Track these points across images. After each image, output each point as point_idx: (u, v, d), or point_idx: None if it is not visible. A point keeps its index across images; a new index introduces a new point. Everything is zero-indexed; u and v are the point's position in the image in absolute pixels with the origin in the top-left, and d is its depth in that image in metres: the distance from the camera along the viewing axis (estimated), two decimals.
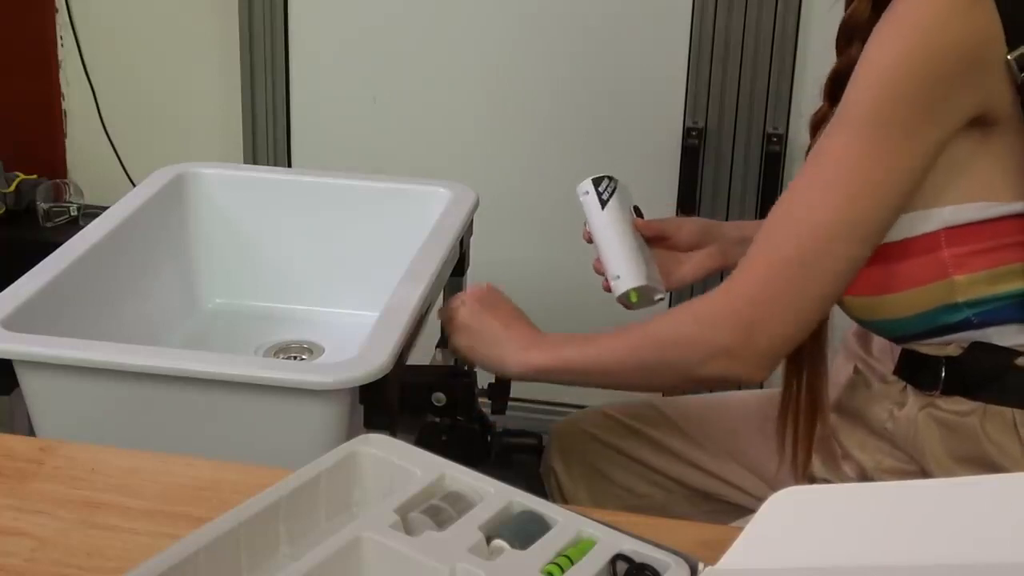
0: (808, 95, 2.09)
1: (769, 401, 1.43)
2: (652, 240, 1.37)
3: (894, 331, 1.16)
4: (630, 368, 1.18)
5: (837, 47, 1.14)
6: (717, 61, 2.08)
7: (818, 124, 1.18)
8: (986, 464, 1.13)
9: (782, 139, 2.09)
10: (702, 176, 2.14)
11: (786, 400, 1.23)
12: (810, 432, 1.22)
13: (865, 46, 1.06)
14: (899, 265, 1.11)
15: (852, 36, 1.12)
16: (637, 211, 1.39)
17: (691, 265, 1.40)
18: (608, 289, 1.35)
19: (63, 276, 1.33)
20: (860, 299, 1.14)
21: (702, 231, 1.40)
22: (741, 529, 0.80)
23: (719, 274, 1.40)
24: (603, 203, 1.35)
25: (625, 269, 1.32)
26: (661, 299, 1.34)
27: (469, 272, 1.60)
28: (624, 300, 1.33)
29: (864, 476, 1.22)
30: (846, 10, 1.15)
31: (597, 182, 1.36)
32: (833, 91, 1.13)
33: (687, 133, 2.10)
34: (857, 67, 1.07)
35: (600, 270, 1.36)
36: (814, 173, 1.08)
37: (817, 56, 2.07)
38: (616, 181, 1.37)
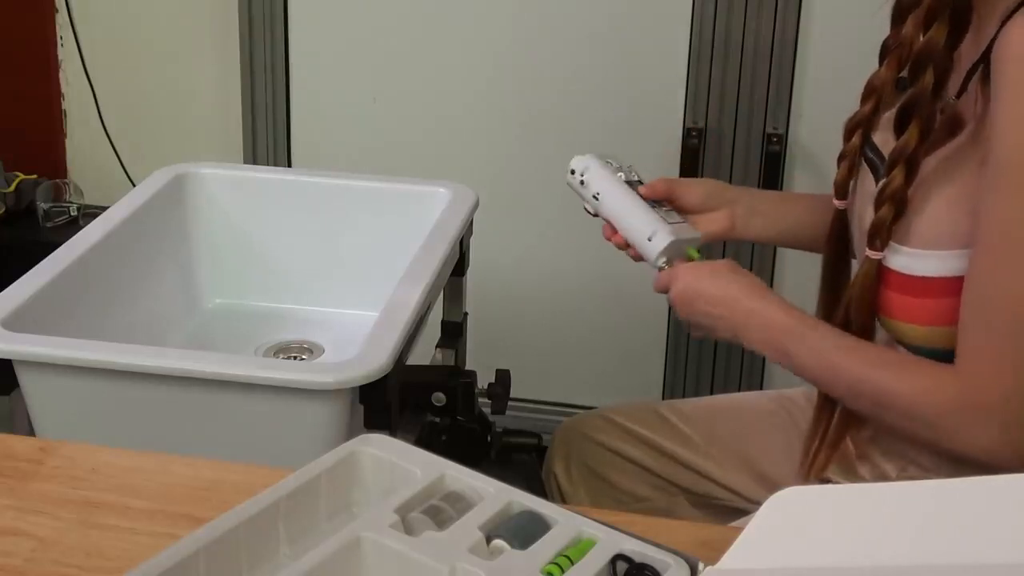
0: (808, 95, 2.09)
1: (772, 400, 1.43)
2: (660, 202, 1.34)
3: (938, 358, 1.12)
4: (848, 395, 1.14)
5: (910, 76, 1.08)
6: (717, 61, 2.08)
7: (854, 128, 1.17)
8: None
9: (782, 139, 2.09)
10: (702, 176, 2.14)
11: (822, 406, 1.21)
12: (838, 441, 1.20)
13: (999, 100, 1.00)
14: (957, 299, 1.07)
15: (926, 65, 1.07)
16: (636, 183, 1.35)
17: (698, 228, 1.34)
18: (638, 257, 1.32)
19: (63, 276, 1.33)
20: (910, 327, 1.11)
21: (710, 194, 1.37)
22: (741, 529, 0.80)
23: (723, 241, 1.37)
24: (582, 183, 1.34)
25: (637, 241, 1.30)
26: (698, 238, 1.30)
27: (469, 272, 1.60)
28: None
29: (882, 479, 1.21)
30: (896, 31, 1.11)
31: (572, 172, 1.35)
32: (904, 121, 1.08)
33: (687, 134, 2.10)
34: (1000, 123, 1.00)
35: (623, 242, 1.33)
36: (1005, 249, 1.02)
37: (817, 57, 2.07)
38: (587, 161, 1.35)
